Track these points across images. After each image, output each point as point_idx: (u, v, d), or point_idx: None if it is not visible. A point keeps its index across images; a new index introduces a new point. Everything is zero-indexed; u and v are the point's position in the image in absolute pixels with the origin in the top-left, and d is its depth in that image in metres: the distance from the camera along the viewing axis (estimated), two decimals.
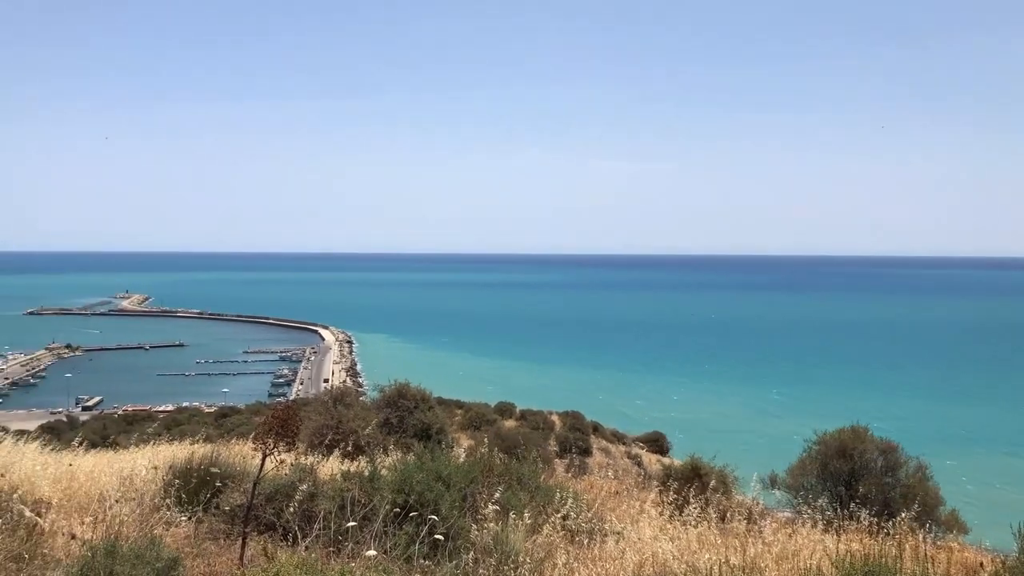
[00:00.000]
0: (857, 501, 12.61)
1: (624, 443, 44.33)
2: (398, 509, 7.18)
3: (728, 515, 10.03)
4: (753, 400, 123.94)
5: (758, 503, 11.80)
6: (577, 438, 36.13)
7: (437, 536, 6.60)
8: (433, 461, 8.35)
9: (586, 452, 34.91)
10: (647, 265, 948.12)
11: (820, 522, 9.95)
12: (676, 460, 25.76)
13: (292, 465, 8.06)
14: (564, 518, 8.12)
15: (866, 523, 9.87)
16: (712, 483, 12.13)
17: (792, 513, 13.06)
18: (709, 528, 9.14)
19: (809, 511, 10.57)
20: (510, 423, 38.37)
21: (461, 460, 9.56)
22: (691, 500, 10.13)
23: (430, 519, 6.78)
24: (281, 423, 7.01)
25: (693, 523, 9.37)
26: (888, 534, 8.93)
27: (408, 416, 15.85)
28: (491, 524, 7.40)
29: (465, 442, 18.75)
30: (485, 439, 14.05)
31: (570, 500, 8.55)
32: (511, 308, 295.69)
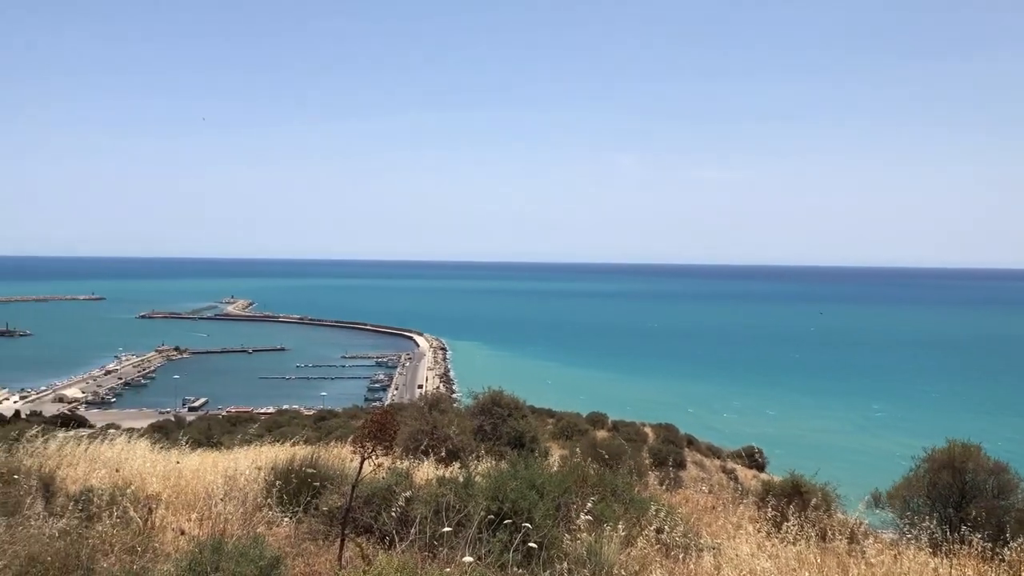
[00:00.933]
0: (968, 525, 12.00)
1: (719, 457, 43.43)
2: (492, 516, 7.20)
3: (829, 534, 9.70)
4: (852, 416, 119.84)
5: (861, 522, 11.37)
6: (671, 451, 35.56)
7: (531, 544, 6.60)
8: (527, 469, 8.35)
9: (680, 465, 34.31)
10: (737, 275, 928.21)
11: (927, 545, 9.51)
12: (774, 476, 25.10)
13: (389, 469, 8.19)
14: (659, 531, 8.01)
15: (979, 548, 9.36)
16: (814, 501, 11.76)
17: (896, 534, 12.53)
18: (809, 547, 8.86)
19: (915, 533, 10.11)
20: (602, 434, 38.05)
21: (554, 469, 9.54)
22: (789, 517, 9.84)
23: (523, 527, 6.78)
24: (379, 428, 7.14)
25: (792, 541, 9.10)
26: (1003, 560, 8.46)
27: (501, 424, 15.91)
28: (584, 535, 7.35)
29: (557, 451, 18.71)
30: (577, 449, 13.98)
31: (664, 513, 8.42)
32: (601, 318, 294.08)
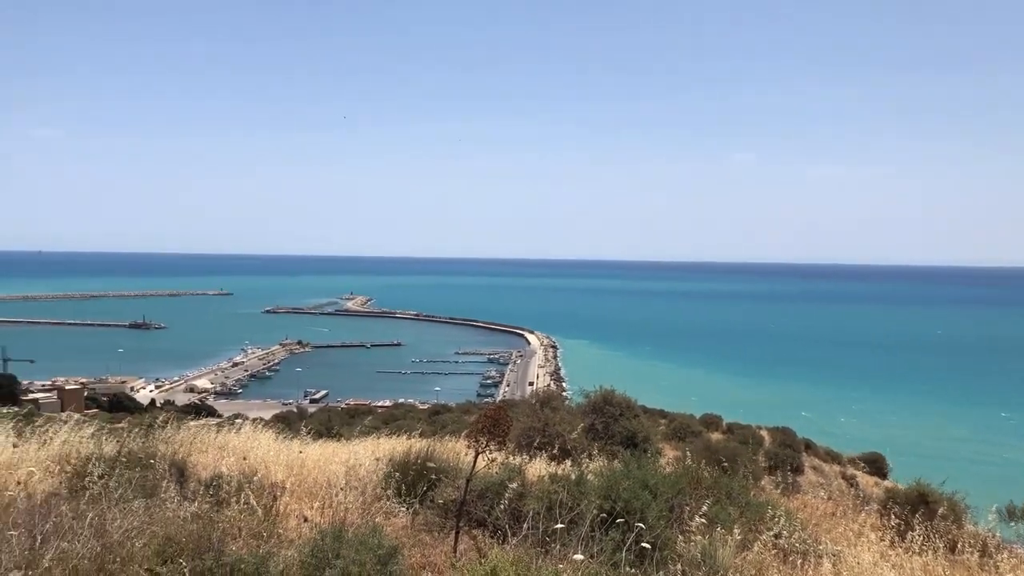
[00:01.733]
0: None
1: (839, 463, 41.91)
2: (604, 515, 7.19)
3: (958, 546, 9.26)
4: (980, 423, 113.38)
5: (994, 535, 10.78)
6: (788, 455, 34.55)
7: (644, 545, 6.56)
8: (639, 469, 8.30)
9: (797, 470, 33.29)
10: (855, 276, 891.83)
11: None
12: (897, 483, 24.09)
13: (502, 464, 8.28)
14: (776, 536, 7.82)
15: None
16: (941, 511, 11.22)
17: None
18: (936, 558, 8.48)
19: None
20: (716, 436, 37.30)
21: (667, 470, 9.44)
22: (915, 527, 9.43)
23: (636, 527, 6.74)
24: (492, 423, 7.24)
25: (917, 551, 8.73)
26: None
27: (613, 423, 15.81)
28: (698, 537, 7.25)
29: (670, 452, 18.48)
30: (690, 451, 13.76)
31: (782, 518, 8.22)
32: (714, 318, 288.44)
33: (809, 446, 42.77)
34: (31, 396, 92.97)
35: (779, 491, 14.42)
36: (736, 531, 7.26)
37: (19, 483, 8.41)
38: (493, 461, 7.55)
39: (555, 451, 12.34)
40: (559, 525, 6.73)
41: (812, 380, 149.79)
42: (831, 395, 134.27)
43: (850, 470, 40.34)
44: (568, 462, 11.26)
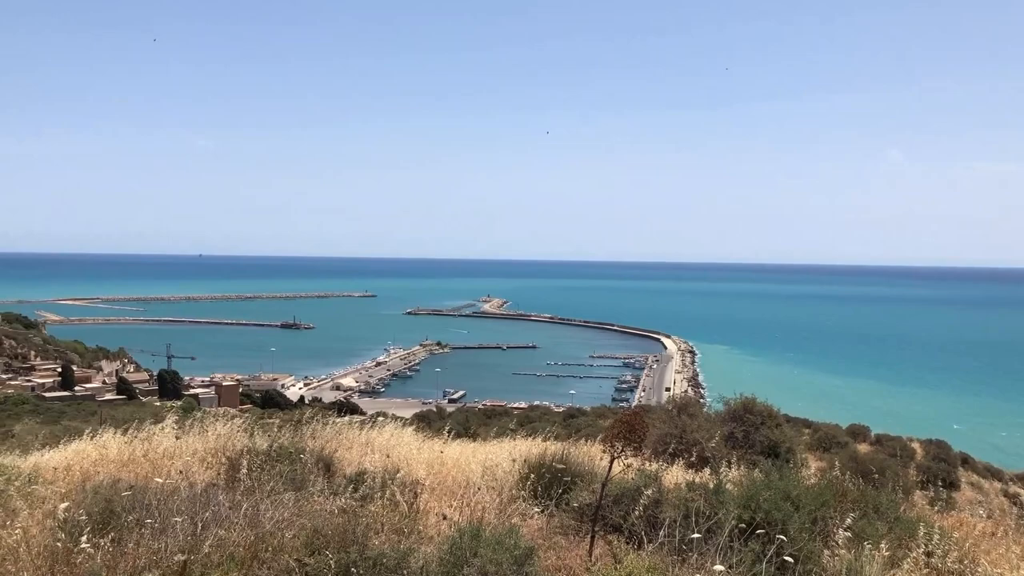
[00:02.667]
0: None
1: (1000, 480, 39.30)
2: (743, 525, 7.03)
3: None
4: None
5: None
6: (942, 469, 32.66)
7: (786, 558, 6.37)
8: (781, 480, 8.06)
9: (952, 486, 31.44)
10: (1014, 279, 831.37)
11: None
12: None
13: (638, 470, 8.23)
14: (928, 555, 7.43)
15: None
16: None
17: None
18: None
19: None
20: (864, 447, 35.72)
21: (811, 481, 9.13)
22: None
23: (778, 539, 6.56)
24: (628, 428, 7.21)
25: None
26: None
27: (754, 432, 15.42)
28: (843, 551, 6.99)
29: (814, 463, 17.84)
30: (836, 462, 13.23)
31: (935, 536, 7.80)
32: (861, 323, 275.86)
33: (966, 460, 40.29)
34: (191, 391, 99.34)
35: (932, 507, 13.68)
36: (884, 547, 6.94)
37: (180, 472, 9.02)
38: (629, 467, 7.52)
39: (692, 459, 12.16)
40: (696, 534, 6.62)
41: (964, 390, 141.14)
42: (987, 406, 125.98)
43: (1013, 488, 37.75)
44: (706, 470, 11.07)
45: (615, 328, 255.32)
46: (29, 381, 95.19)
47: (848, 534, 7.20)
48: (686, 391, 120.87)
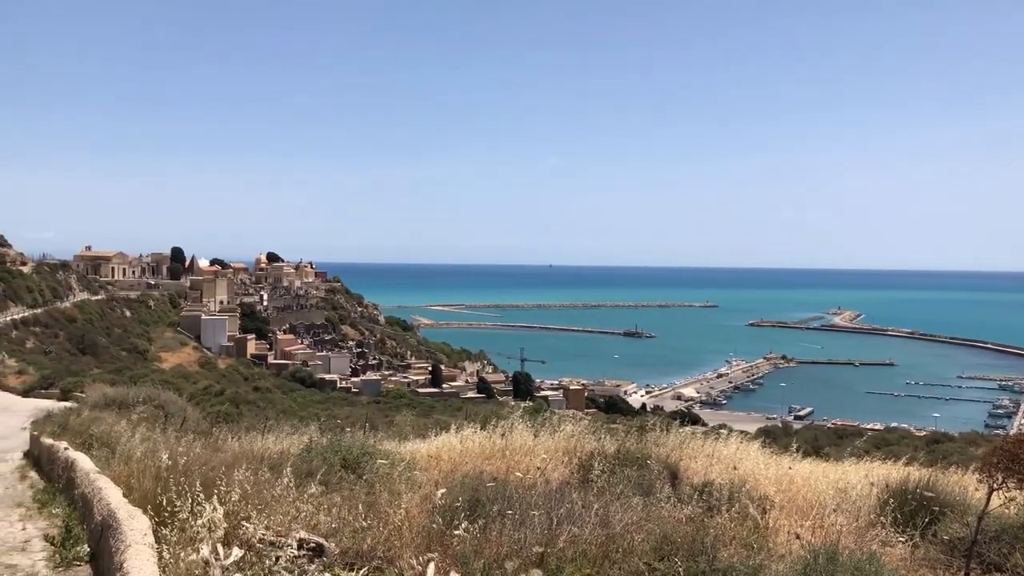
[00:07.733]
0: None
1: None
2: None
3: None
4: None
5: None
6: None
7: None
8: None
9: None
10: None
11: None
12: None
13: (1022, 505, 7.35)
14: None
15: None
16: None
17: None
18: None
19: None
20: None
21: None
22: None
23: None
24: (1010, 457, 6.50)
25: None
26: None
27: None
28: None
29: None
30: None
31: None
32: None
33: None
34: (542, 393, 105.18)
35: None
36: None
37: (538, 468, 9.64)
38: (1012, 500, 6.75)
39: None
40: None
41: None
42: None
43: None
44: None
45: (988, 346, 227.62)
46: (406, 378, 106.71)
47: None
48: None
